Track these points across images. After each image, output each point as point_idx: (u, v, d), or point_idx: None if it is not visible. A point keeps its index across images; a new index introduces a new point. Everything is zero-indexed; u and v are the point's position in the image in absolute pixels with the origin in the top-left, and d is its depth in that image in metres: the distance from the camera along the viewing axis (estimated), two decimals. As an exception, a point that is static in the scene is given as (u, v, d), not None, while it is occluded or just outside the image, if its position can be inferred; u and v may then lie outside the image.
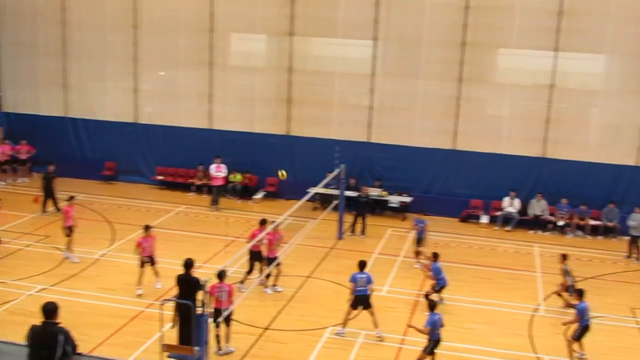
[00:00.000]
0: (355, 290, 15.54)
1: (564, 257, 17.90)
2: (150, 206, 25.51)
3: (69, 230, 19.57)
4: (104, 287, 17.92)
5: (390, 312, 17.26)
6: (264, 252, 17.74)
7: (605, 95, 24.60)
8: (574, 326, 15.03)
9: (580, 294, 15.16)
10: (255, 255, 17.81)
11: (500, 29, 24.78)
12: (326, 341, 15.54)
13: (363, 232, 23.28)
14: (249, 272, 17.97)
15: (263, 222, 17.82)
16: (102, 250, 20.67)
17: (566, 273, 17.69)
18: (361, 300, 15.59)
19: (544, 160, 24.87)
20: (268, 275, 17.93)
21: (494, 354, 15.32)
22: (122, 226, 22.95)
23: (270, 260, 17.68)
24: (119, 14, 27.91)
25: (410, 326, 14.58)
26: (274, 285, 18.10)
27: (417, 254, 20.36)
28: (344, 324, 15.75)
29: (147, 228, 17.99)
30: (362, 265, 15.87)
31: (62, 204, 21.91)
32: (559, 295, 17.83)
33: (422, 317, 16.81)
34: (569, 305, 16.73)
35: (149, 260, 17.69)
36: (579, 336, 14.97)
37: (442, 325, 14.01)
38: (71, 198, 20.21)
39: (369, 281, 15.63)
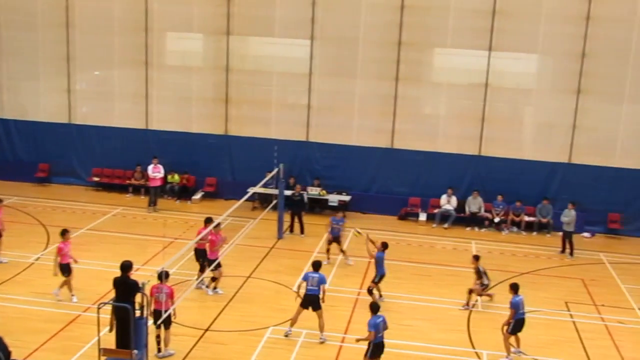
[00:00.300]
0: (306, 289, 15.48)
1: (477, 258, 18.08)
2: (86, 208, 25.01)
3: None
4: (38, 292, 17.46)
5: (332, 310, 17.26)
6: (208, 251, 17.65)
7: (538, 94, 25.18)
8: (508, 320, 15.23)
9: (514, 288, 15.38)
10: (200, 253, 17.81)
11: (436, 29, 25.10)
12: (267, 341, 15.50)
13: (302, 231, 23.29)
14: (201, 270, 17.90)
15: (208, 220, 17.76)
16: (36, 254, 20.14)
17: (482, 274, 17.81)
18: (311, 300, 15.50)
19: (479, 158, 25.33)
20: (213, 278, 17.77)
21: (434, 349, 15.54)
22: (57, 229, 22.11)
23: (211, 262, 17.53)
24: (51, 11, 27.23)
25: (358, 340, 14.10)
26: (215, 288, 17.94)
27: (328, 251, 20.64)
28: (292, 323, 15.71)
29: (64, 232, 17.42)
30: (316, 265, 15.83)
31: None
32: (471, 292, 17.81)
33: (363, 315, 16.94)
34: (467, 304, 17.47)
35: (67, 267, 17.03)
36: (513, 330, 15.21)
37: (385, 328, 13.74)
38: None
39: (321, 281, 15.53)
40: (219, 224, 17.69)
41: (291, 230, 23.35)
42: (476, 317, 17.35)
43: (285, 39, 26.37)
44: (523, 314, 15.21)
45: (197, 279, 17.92)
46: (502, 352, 15.32)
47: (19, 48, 27.87)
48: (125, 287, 13.23)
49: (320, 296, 15.49)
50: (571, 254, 22.36)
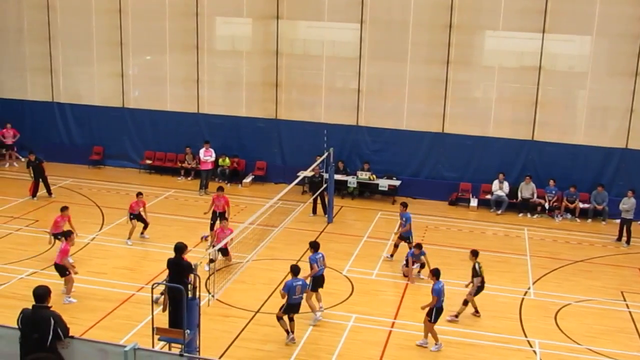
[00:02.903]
0: (290, 299, 14.51)
1: (475, 253, 16.53)
2: (139, 190, 25.35)
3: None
4: (94, 271, 17.87)
5: (379, 295, 17.34)
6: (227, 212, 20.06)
7: (593, 77, 24.58)
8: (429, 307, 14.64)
9: (435, 274, 14.83)
10: (218, 215, 20.12)
11: (487, 11, 24.71)
12: (317, 324, 15.56)
13: (325, 212, 23.15)
14: (212, 229, 19.88)
15: (220, 189, 20.82)
16: (92, 235, 20.59)
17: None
18: (297, 308, 14.81)
19: (532, 143, 24.93)
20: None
21: (484, 336, 15.42)
22: (111, 210, 22.86)
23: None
24: (104, -3, 27.71)
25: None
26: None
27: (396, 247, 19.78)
28: (291, 330, 14.89)
29: (64, 209, 18.78)
30: (295, 270, 14.86)
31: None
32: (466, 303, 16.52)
33: (412, 300, 16.95)
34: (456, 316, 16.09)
35: (61, 236, 17.70)
36: (435, 318, 14.57)
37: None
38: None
39: (304, 288, 14.80)
40: (226, 220, 18.32)
41: (314, 212, 23.31)
42: (528, 305, 17.14)
43: (335, 22, 26.30)
44: (443, 301, 14.66)
45: (205, 238, 19.80)
46: (554, 341, 15.16)
47: (74, 34, 28.38)
48: (178, 268, 13.42)
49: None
50: (628, 242, 21.85)
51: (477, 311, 16.35)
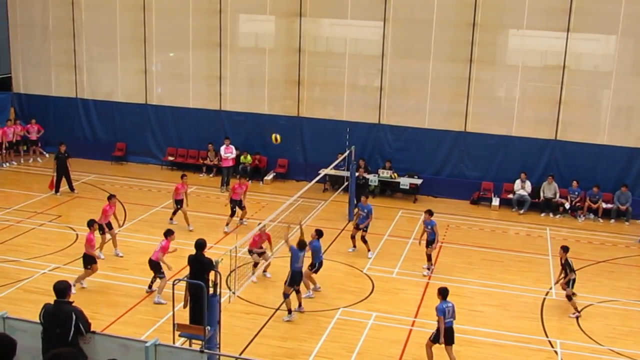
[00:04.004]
0: (292, 266, 15.65)
1: (565, 249, 16.65)
2: (161, 187, 25.56)
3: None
4: (116, 267, 18.02)
5: (400, 293, 17.30)
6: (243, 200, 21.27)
7: (618, 76, 24.28)
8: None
9: (442, 293, 13.75)
10: (236, 203, 21.14)
11: (511, 9, 24.55)
12: (336, 322, 15.58)
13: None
14: (232, 215, 21.07)
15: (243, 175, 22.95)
16: (114, 230, 20.70)
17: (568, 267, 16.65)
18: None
19: (555, 143, 24.73)
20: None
21: (505, 336, 15.34)
22: (134, 206, 23.01)
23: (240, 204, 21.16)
24: (129, -6, 27.88)
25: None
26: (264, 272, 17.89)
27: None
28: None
29: (111, 197, 19.02)
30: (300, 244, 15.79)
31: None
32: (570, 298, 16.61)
33: (433, 298, 16.90)
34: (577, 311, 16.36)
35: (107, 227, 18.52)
36: (435, 339, 13.64)
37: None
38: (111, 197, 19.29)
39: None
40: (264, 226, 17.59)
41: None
42: (550, 305, 17.01)
43: (358, 20, 26.27)
44: (451, 322, 13.63)
45: (226, 225, 20.93)
46: (576, 342, 15.07)
47: (98, 31, 28.59)
48: (199, 264, 13.50)
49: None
50: (651, 242, 21.68)
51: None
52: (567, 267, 16.48)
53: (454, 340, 13.67)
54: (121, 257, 18.65)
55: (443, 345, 13.53)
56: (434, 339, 13.61)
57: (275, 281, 17.51)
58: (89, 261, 16.48)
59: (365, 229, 19.46)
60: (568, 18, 23.79)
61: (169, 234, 16.44)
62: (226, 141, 25.89)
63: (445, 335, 13.50)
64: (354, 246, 19.90)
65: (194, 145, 28.04)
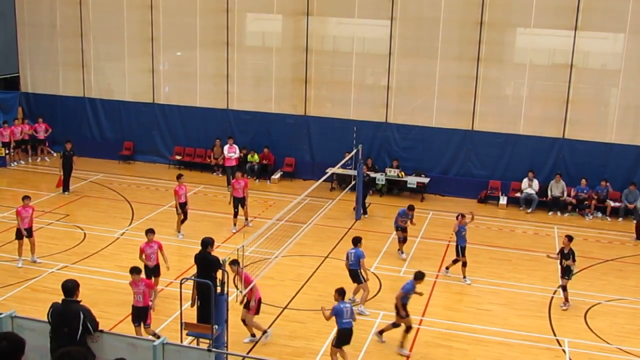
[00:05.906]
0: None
1: (570, 238, 16.80)
2: (168, 185, 25.56)
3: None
4: (123, 266, 17.97)
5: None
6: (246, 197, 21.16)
7: (626, 74, 24.19)
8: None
9: (341, 293, 13.62)
10: (239, 201, 21.08)
11: (518, 8, 24.49)
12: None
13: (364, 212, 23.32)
14: (235, 216, 21.07)
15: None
16: (122, 229, 20.79)
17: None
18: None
19: (563, 141, 24.65)
20: None
21: (513, 335, 15.31)
22: (141, 205, 23.06)
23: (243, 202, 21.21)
24: (136, -7, 27.92)
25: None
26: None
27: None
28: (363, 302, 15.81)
29: (25, 198, 18.07)
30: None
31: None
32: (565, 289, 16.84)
33: (441, 297, 16.92)
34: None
35: (27, 232, 17.72)
36: (337, 342, 13.44)
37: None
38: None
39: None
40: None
41: (365, 212, 23.29)
42: (558, 304, 16.94)
43: (365, 19, 26.24)
44: (350, 322, 13.35)
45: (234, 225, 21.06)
46: (584, 340, 15.02)
47: (106, 30, 28.66)
48: (205, 262, 13.51)
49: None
50: (660, 241, 21.58)
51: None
52: (572, 256, 16.50)
53: (350, 342, 13.39)
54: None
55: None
56: (337, 344, 13.30)
57: (282, 280, 17.54)
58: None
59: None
60: (576, 16, 23.71)
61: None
62: (229, 140, 25.85)
63: (342, 335, 13.23)
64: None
65: (201, 144, 28.08)
